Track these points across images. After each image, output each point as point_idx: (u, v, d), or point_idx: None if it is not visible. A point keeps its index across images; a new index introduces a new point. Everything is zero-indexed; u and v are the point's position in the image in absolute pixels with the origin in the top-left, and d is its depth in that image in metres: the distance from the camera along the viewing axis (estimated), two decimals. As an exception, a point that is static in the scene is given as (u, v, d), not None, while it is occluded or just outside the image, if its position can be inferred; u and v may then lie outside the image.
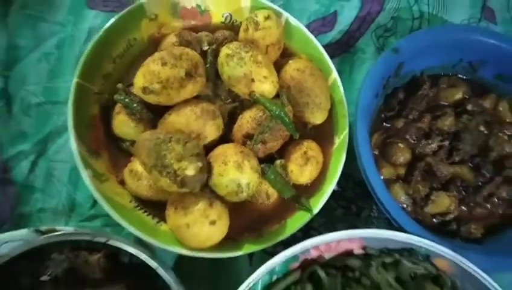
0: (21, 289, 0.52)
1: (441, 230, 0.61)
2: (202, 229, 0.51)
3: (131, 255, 0.51)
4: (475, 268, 0.53)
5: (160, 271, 0.50)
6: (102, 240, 0.51)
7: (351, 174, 0.66)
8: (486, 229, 0.63)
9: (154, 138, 0.51)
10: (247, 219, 0.58)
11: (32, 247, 0.51)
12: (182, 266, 0.59)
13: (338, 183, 0.62)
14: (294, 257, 0.52)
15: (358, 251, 0.55)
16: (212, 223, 0.51)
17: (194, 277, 0.59)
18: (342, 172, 0.61)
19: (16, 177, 0.60)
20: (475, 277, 0.53)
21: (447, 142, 0.63)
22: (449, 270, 0.54)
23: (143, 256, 0.50)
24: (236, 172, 0.51)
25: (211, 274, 0.59)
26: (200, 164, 0.51)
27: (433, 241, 0.54)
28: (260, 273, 0.51)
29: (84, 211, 0.61)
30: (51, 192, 0.60)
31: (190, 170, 0.50)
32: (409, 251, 0.54)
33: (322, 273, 0.51)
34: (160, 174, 0.50)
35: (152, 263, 0.50)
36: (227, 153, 0.53)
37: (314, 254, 0.53)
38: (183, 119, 0.54)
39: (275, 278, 0.53)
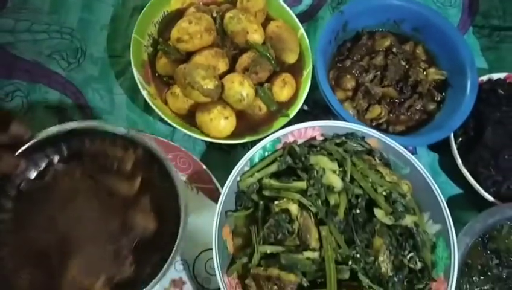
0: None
1: (376, 129, 0.91)
2: (220, 121, 0.81)
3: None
4: (394, 142, 0.83)
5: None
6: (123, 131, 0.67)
7: (317, 99, 0.95)
8: (407, 128, 0.94)
9: (188, 67, 0.81)
10: (247, 124, 0.87)
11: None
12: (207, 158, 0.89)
13: (307, 104, 0.94)
14: (278, 139, 0.81)
15: (319, 137, 0.84)
16: (226, 118, 0.81)
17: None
18: (311, 97, 0.91)
19: (91, 103, 0.90)
20: (394, 148, 0.83)
21: (378, 73, 0.94)
22: (378, 146, 0.84)
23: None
24: (239, 86, 0.82)
25: (227, 162, 0.88)
26: (216, 82, 0.81)
27: (367, 128, 0.83)
28: (257, 148, 0.80)
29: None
30: (116, 113, 0.90)
31: (211, 85, 0.80)
32: (351, 134, 0.83)
33: (295, 146, 0.80)
34: (192, 88, 0.80)
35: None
36: (233, 77, 0.83)
37: (291, 138, 0.82)
38: (204, 58, 0.85)
39: (266, 153, 0.82)
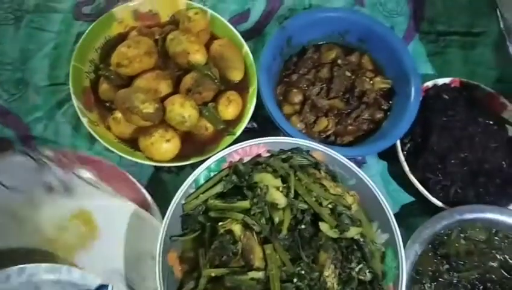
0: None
1: (325, 142, 0.92)
2: (162, 145, 0.81)
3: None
4: (338, 154, 0.83)
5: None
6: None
7: (266, 116, 0.95)
8: (355, 138, 0.94)
9: (127, 92, 0.81)
10: (194, 145, 0.87)
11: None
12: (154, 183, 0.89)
13: (257, 121, 0.94)
14: (223, 159, 0.81)
15: (265, 154, 0.84)
16: (168, 141, 0.81)
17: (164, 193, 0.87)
18: (260, 114, 0.92)
19: (34, 133, 0.89)
20: (339, 161, 0.83)
21: (324, 85, 0.95)
22: (323, 159, 0.84)
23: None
24: (180, 108, 0.81)
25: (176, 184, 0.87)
26: (156, 105, 0.81)
27: (312, 142, 0.84)
28: (201, 169, 0.80)
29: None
30: (60, 142, 0.89)
31: (150, 108, 0.80)
32: (296, 149, 0.83)
33: (240, 165, 0.80)
34: (131, 112, 0.79)
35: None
36: (174, 99, 0.83)
37: (236, 157, 0.82)
38: (145, 81, 0.84)
39: (212, 174, 0.82)
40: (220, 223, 0.74)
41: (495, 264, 0.83)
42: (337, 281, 0.73)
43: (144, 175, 0.89)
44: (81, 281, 0.74)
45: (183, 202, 0.78)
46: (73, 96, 0.82)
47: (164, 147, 0.81)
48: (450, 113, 0.93)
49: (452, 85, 0.98)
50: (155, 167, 0.90)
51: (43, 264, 0.73)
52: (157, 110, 0.80)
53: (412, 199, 0.94)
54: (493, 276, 0.81)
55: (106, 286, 0.75)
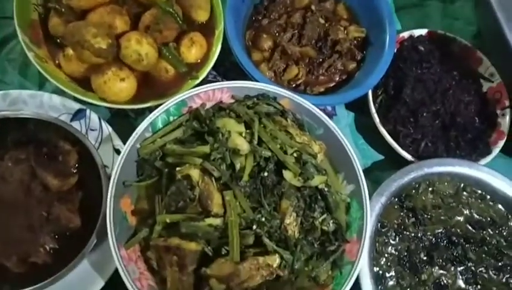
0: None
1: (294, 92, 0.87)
2: (115, 84, 0.75)
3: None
4: (306, 102, 0.79)
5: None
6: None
7: (234, 62, 0.89)
8: (326, 90, 0.90)
9: (78, 25, 0.74)
10: (154, 88, 0.82)
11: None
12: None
13: (224, 67, 0.88)
14: (183, 102, 0.76)
15: (228, 100, 0.79)
16: (122, 80, 0.75)
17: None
18: (228, 60, 0.86)
19: (-21, 71, 0.81)
20: (307, 109, 0.79)
21: (296, 32, 0.90)
22: (290, 107, 0.80)
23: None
24: (136, 45, 0.75)
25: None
26: (110, 41, 0.74)
27: (279, 88, 0.79)
28: (159, 111, 0.74)
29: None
30: (7, 80, 0.81)
31: (103, 44, 0.73)
32: (262, 95, 0.79)
33: (202, 109, 0.75)
34: (82, 47, 0.72)
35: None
36: (130, 35, 0.77)
37: (198, 101, 0.77)
38: (98, 15, 0.77)
39: (171, 118, 0.77)
40: (178, 169, 0.70)
41: (461, 219, 0.81)
42: (299, 230, 0.70)
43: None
44: (61, 106, 0.78)
45: (138, 146, 0.73)
46: (18, 29, 0.74)
47: (118, 86, 0.74)
48: (425, 66, 0.90)
49: (428, 37, 0.94)
50: (110, 111, 0.84)
51: (25, 91, 0.77)
52: (110, 45, 0.73)
53: (379, 153, 0.92)
54: (458, 230, 0.80)
55: (84, 110, 0.78)
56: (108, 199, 0.68)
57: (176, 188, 0.69)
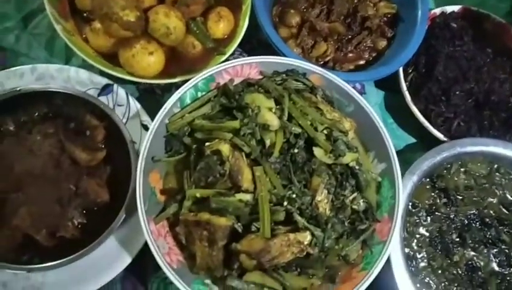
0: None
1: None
2: (144, 57, 0.74)
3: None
4: (337, 78, 0.77)
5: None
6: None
7: (261, 39, 0.88)
8: (356, 67, 0.88)
9: (105, -3, 0.73)
10: (181, 64, 0.81)
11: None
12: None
13: (251, 44, 0.87)
14: (211, 77, 0.74)
15: (257, 75, 0.78)
16: (151, 53, 0.74)
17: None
18: (255, 36, 0.85)
19: (5, 45, 0.80)
20: (337, 85, 0.77)
21: (325, 7, 0.87)
22: (320, 83, 0.78)
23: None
24: (165, 18, 0.74)
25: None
26: (138, 13, 0.73)
27: (309, 63, 0.77)
28: (187, 86, 0.73)
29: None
30: (33, 56, 0.81)
31: (131, 16, 0.71)
32: (292, 71, 0.77)
33: (230, 85, 0.74)
34: (110, 20, 0.71)
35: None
36: (158, 8, 0.75)
37: (226, 76, 0.75)
38: (126, -12, 0.76)
39: (200, 94, 0.76)
40: (207, 144, 0.69)
41: (494, 200, 0.79)
42: (330, 207, 0.68)
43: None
44: (88, 80, 0.77)
45: (166, 121, 0.72)
46: (46, 2, 0.73)
47: (146, 60, 0.73)
48: (458, 43, 0.87)
49: (461, 13, 0.91)
50: (137, 88, 0.83)
51: (52, 65, 0.77)
52: (139, 18, 0.72)
53: (410, 132, 0.90)
54: (491, 212, 0.78)
55: (112, 85, 0.78)
56: (138, 174, 0.67)
57: (205, 163, 0.68)
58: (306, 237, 0.66)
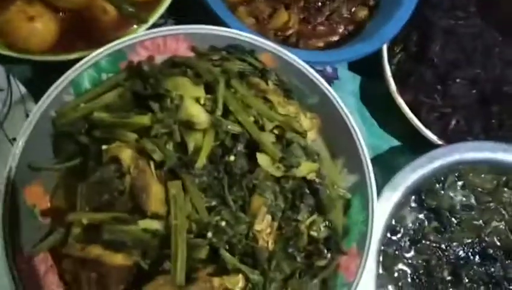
0: None
1: (283, 44, 0.66)
2: (22, 24, 0.55)
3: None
4: (296, 58, 0.58)
5: None
6: None
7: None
8: (327, 44, 0.69)
9: None
10: (86, 35, 0.60)
11: None
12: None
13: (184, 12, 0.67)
14: (122, 54, 0.55)
15: (187, 52, 0.58)
16: (31, 19, 0.54)
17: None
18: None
19: None
20: (297, 68, 0.58)
21: (287, -36, 0.67)
22: (274, 65, 0.59)
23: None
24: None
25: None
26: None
27: (259, 38, 0.58)
28: (83, 65, 0.54)
29: None
30: None
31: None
32: (235, 47, 0.58)
33: (145, 64, 0.54)
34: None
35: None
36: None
37: (142, 53, 0.56)
38: None
39: (104, 76, 0.56)
40: (104, 147, 0.50)
41: (500, 225, 0.63)
42: (274, 239, 0.50)
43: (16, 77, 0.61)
44: None
45: (53, 113, 0.53)
46: None
47: (27, 27, 0.54)
48: (460, 15, 0.70)
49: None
50: (33, 66, 0.63)
51: None
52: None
53: (392, 132, 0.73)
54: (496, 240, 0.62)
55: None
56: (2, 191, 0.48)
57: (99, 176, 0.49)
58: (237, 283, 0.48)
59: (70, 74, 0.53)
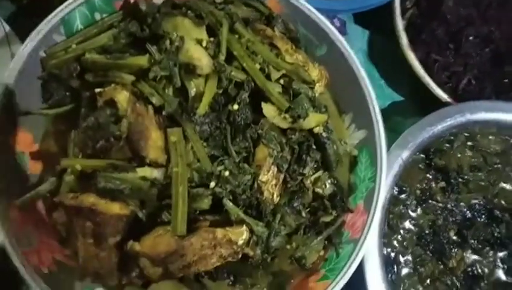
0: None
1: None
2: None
3: None
4: (306, 4, 0.55)
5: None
6: None
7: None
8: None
9: None
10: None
11: None
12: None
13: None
14: None
15: None
16: None
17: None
18: None
19: None
20: (306, 15, 0.55)
21: None
22: (281, 11, 0.56)
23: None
24: None
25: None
26: None
27: None
28: (72, 3, 0.50)
29: None
30: None
31: None
32: None
33: (142, 3, 0.50)
34: None
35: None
36: None
37: None
38: None
39: (98, 16, 0.52)
40: (97, 90, 0.46)
41: (507, 187, 0.60)
42: (280, 191, 0.48)
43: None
44: None
45: (42, 54, 0.49)
46: None
47: None
48: None
49: None
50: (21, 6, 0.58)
51: None
52: None
53: (402, 90, 0.70)
54: (503, 202, 0.60)
55: None
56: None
57: (94, 120, 0.46)
58: (241, 235, 0.46)
59: (61, 9, 0.49)
